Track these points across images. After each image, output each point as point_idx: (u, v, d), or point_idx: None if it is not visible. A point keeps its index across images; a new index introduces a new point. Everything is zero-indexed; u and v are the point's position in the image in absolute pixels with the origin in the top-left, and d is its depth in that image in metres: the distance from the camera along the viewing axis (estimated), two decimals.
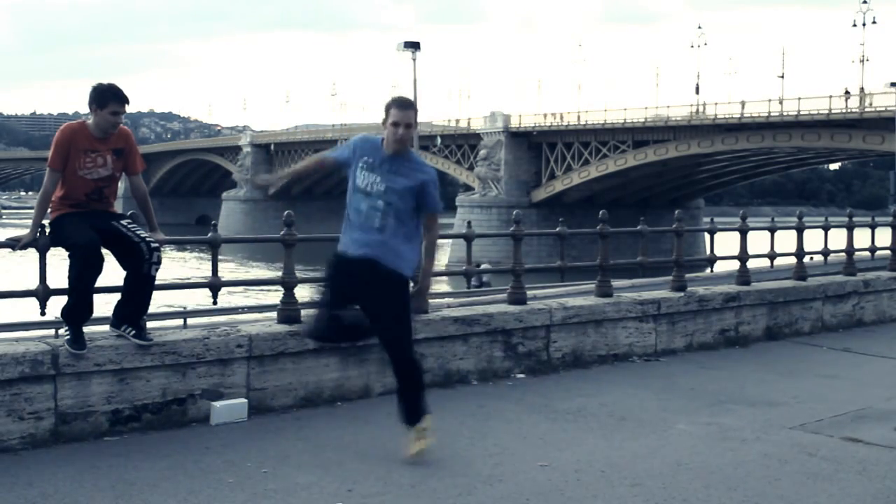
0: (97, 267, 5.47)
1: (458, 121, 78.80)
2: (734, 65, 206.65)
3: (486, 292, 23.36)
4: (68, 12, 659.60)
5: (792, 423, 6.31)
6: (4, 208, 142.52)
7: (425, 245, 5.50)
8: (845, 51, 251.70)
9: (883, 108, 51.46)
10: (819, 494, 4.89)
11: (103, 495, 4.65)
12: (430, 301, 7.60)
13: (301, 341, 6.39)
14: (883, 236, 12.38)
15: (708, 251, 11.04)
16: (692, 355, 8.78)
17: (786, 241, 10.91)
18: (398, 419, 5.40)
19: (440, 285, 33.73)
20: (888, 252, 12.16)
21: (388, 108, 5.26)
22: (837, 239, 11.47)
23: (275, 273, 5.69)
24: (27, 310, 7.37)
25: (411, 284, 5.45)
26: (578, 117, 69.41)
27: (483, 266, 13.22)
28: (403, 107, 5.27)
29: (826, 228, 11.31)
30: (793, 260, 10.84)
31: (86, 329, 5.63)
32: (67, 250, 5.49)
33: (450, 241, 60.80)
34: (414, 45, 43.92)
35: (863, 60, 64.58)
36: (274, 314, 6.90)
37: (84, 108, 5.67)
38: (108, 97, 5.49)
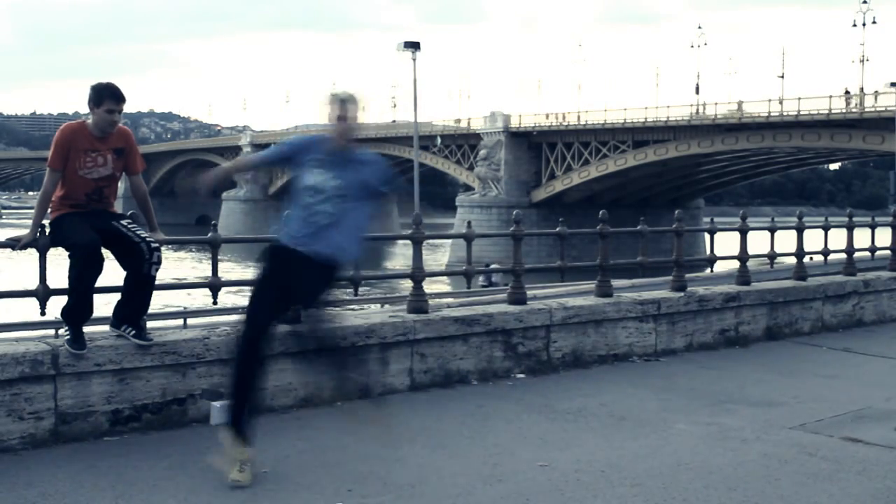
0: (97, 267, 5.46)
1: (458, 121, 78.79)
2: (734, 65, 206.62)
3: (488, 292, 23.43)
4: (68, 12, 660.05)
5: (792, 423, 6.31)
6: (4, 208, 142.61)
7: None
8: (845, 51, 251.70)
9: (883, 108, 51.47)
10: (819, 494, 4.89)
11: (103, 495, 4.65)
12: (430, 301, 7.62)
13: (301, 341, 6.38)
14: (883, 236, 12.37)
15: (708, 251, 11.04)
16: (692, 355, 8.78)
17: (786, 241, 10.91)
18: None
19: (440, 285, 33.73)
20: (888, 252, 12.15)
21: (330, 103, 5.18)
22: (837, 239, 11.47)
23: None
24: (27, 310, 7.37)
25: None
26: (578, 117, 69.44)
27: (492, 266, 13.29)
28: (345, 100, 5.19)
29: (826, 228, 11.30)
30: (793, 260, 10.85)
31: (86, 329, 5.63)
32: (68, 250, 5.49)
33: (450, 241, 61.00)
34: (414, 45, 43.97)
35: (863, 60, 64.67)
36: None
37: (84, 108, 5.67)
38: (103, 95, 5.48)
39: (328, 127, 5.20)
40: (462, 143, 75.22)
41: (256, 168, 6.21)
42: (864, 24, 66.15)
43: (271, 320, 5.17)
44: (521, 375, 7.58)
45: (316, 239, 5.06)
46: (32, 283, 5.85)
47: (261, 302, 5.18)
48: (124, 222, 5.65)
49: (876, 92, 53.90)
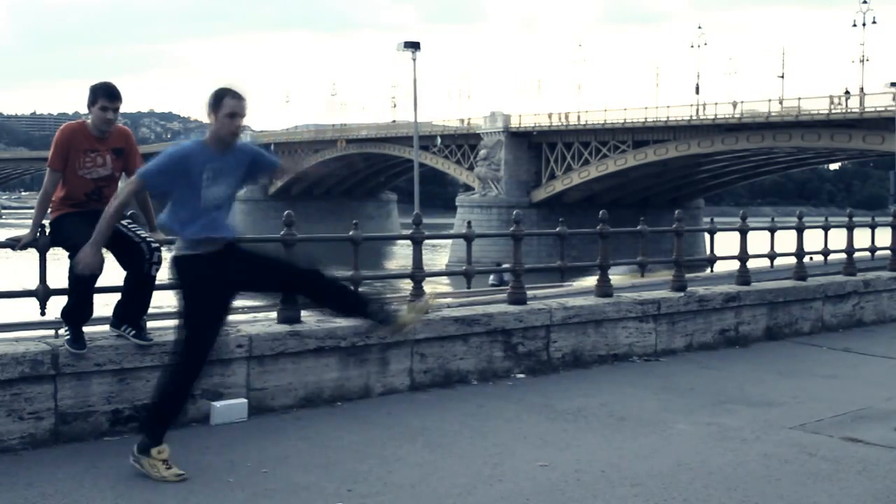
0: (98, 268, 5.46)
1: (461, 120, 78.65)
2: (734, 65, 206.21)
3: (494, 291, 23.45)
4: (68, 12, 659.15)
5: (792, 423, 6.31)
6: (4, 208, 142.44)
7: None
8: (845, 51, 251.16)
9: (883, 108, 51.44)
10: (819, 494, 4.89)
11: (103, 495, 4.65)
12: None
13: (301, 341, 6.39)
14: (883, 236, 12.38)
15: (708, 251, 11.04)
16: (692, 355, 8.78)
17: (786, 241, 10.91)
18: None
19: (440, 286, 33.70)
20: (888, 252, 12.16)
21: (219, 99, 4.89)
22: (837, 239, 11.47)
23: None
24: (27, 310, 7.37)
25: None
26: (578, 117, 69.44)
27: (503, 265, 13.40)
28: (239, 97, 4.94)
29: (826, 228, 11.31)
30: (793, 260, 10.85)
31: (86, 329, 5.63)
32: (68, 251, 5.48)
33: (450, 241, 61.03)
34: (414, 45, 44.04)
35: (863, 60, 64.60)
36: (274, 314, 6.90)
37: (84, 108, 5.67)
38: (97, 94, 5.48)
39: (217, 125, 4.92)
40: (462, 143, 75.21)
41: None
42: (864, 24, 66.13)
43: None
44: (521, 375, 7.58)
45: (221, 231, 5.01)
46: (32, 283, 5.86)
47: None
48: (124, 222, 5.64)
49: (894, 94, 53.45)
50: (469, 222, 9.14)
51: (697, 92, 76.14)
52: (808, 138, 55.56)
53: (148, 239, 5.61)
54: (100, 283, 5.57)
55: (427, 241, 7.87)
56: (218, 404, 5.97)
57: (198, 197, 4.87)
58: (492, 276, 33.08)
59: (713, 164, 66.57)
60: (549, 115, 71.65)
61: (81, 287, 5.45)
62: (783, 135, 56.53)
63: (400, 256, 63.91)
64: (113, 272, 5.66)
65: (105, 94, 5.47)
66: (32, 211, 5.77)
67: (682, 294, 9.07)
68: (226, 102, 4.90)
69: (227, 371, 6.10)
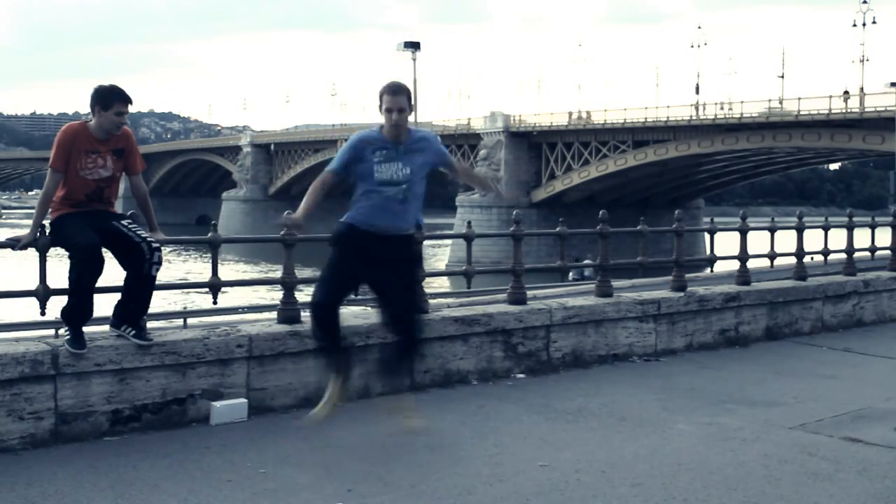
0: (98, 268, 5.47)
1: (468, 120, 78.42)
2: (734, 65, 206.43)
3: (488, 292, 23.45)
4: (69, 12, 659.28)
5: (792, 423, 6.31)
6: (4, 208, 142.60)
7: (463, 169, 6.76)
8: (845, 51, 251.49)
9: (883, 108, 51.43)
10: (819, 494, 4.89)
11: (103, 495, 4.65)
12: (430, 301, 7.62)
13: (301, 341, 6.39)
14: (883, 236, 12.37)
15: (708, 251, 11.03)
16: (692, 355, 8.78)
17: (786, 241, 10.91)
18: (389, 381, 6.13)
19: (440, 287, 33.69)
20: (888, 252, 12.15)
21: (381, 95, 5.54)
22: (837, 239, 11.47)
23: (275, 273, 5.68)
24: (27, 310, 7.37)
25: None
26: (579, 116, 69.45)
27: (585, 261, 13.37)
28: (395, 92, 5.54)
29: (826, 228, 11.30)
30: (793, 260, 10.85)
31: (86, 329, 5.63)
32: (68, 251, 5.49)
33: (450, 241, 61.03)
34: (414, 45, 44.13)
35: (863, 60, 64.63)
36: (274, 314, 6.91)
37: (84, 108, 5.67)
38: (112, 98, 5.50)
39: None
40: (462, 143, 75.19)
41: (331, 182, 5.96)
42: (864, 24, 66.14)
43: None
44: (521, 375, 7.58)
45: (394, 219, 5.72)
46: (32, 283, 5.86)
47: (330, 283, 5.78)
48: (125, 222, 5.65)
49: (866, 93, 53.58)
50: (469, 222, 9.11)
51: (697, 92, 76.25)
52: (808, 138, 55.54)
53: (148, 239, 5.62)
54: (100, 283, 5.58)
55: (427, 241, 7.87)
56: (218, 404, 5.97)
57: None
58: (572, 271, 33.00)
59: (713, 164, 66.57)
60: (549, 115, 71.60)
61: (81, 287, 5.45)
62: (783, 135, 56.52)
63: None
64: (113, 272, 5.67)
65: (121, 100, 5.52)
66: (33, 211, 5.77)
67: (682, 294, 9.07)
68: (383, 98, 5.52)
69: (228, 371, 6.10)
